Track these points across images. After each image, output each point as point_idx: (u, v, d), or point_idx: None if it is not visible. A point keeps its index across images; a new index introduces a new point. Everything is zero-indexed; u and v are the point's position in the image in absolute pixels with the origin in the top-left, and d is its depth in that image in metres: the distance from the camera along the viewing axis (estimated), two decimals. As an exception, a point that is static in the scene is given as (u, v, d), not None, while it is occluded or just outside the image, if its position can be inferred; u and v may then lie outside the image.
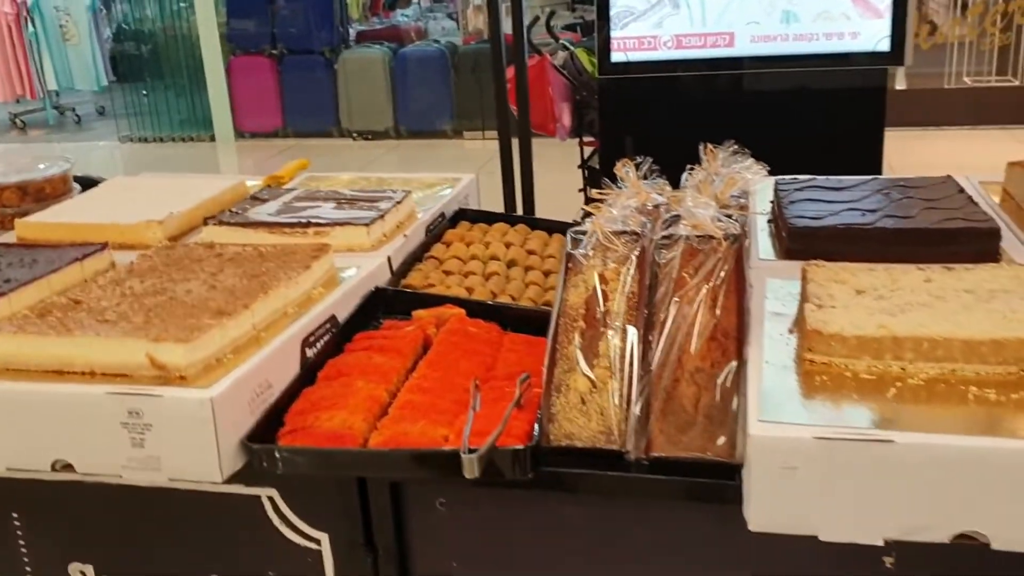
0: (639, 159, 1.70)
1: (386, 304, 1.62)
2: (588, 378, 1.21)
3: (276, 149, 8.58)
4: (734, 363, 1.20)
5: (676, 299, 1.25)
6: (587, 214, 1.47)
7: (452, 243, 1.90)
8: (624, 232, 1.38)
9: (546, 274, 1.81)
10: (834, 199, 1.71)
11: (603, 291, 1.29)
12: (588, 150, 5.19)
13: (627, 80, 3.21)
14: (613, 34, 3.14)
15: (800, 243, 1.55)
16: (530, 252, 1.89)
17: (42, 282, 1.54)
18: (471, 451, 1.10)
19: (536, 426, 1.19)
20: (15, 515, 1.41)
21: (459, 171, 2.26)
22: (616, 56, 3.17)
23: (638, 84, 3.21)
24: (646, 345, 1.22)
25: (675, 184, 1.75)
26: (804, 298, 1.31)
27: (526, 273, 1.80)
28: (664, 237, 1.35)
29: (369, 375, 1.35)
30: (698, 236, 1.33)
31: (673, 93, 3.20)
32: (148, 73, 9.29)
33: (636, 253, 1.33)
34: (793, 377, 1.17)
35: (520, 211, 3.28)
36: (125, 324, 1.29)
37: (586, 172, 5.23)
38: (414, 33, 9.61)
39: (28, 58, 9.47)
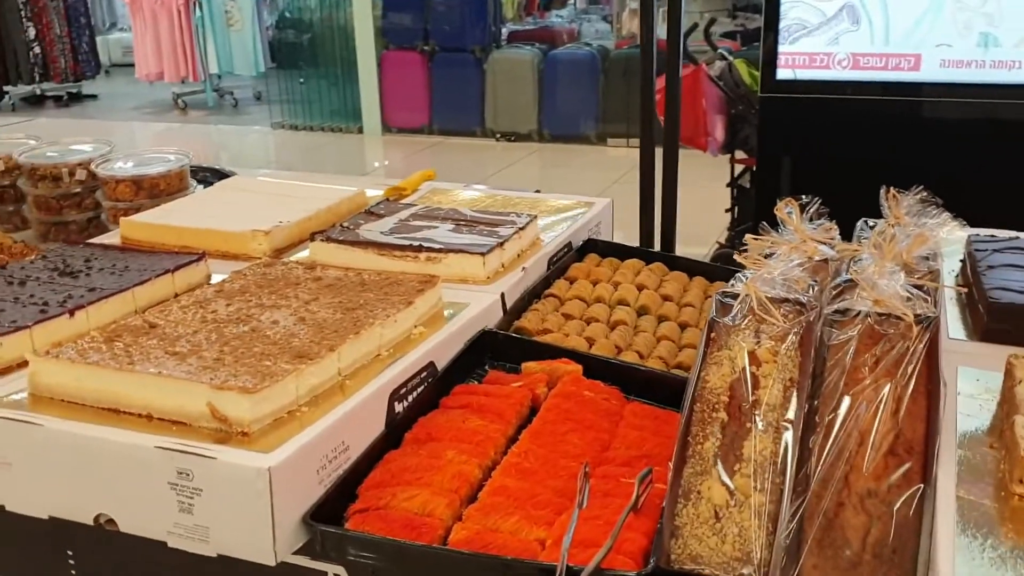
0: (804, 198, 1.44)
1: (494, 349, 1.42)
2: (726, 487, 0.96)
3: (421, 145, 8.55)
4: (919, 487, 0.93)
5: (848, 396, 0.99)
6: (725, 255, 1.22)
7: (576, 279, 1.68)
8: (786, 300, 1.12)
9: (682, 327, 1.56)
10: (1045, 266, 1.42)
11: (753, 375, 1.04)
12: (739, 168, 4.87)
13: (792, 99, 2.90)
14: (781, 48, 2.83)
15: (1002, 322, 1.29)
16: (665, 298, 1.65)
17: (127, 295, 1.42)
18: (571, 573, 0.88)
19: (655, 541, 0.96)
20: (70, 552, 1.28)
21: (600, 178, 2.06)
22: (782, 72, 2.85)
23: (804, 104, 2.88)
24: (804, 452, 0.97)
25: (841, 225, 1.48)
26: (1012, 406, 1.03)
27: (658, 324, 1.56)
28: (836, 311, 1.09)
29: (462, 443, 1.15)
30: (880, 314, 1.06)
31: (844, 117, 2.86)
32: (304, 62, 9.46)
33: (799, 330, 1.07)
34: (998, 520, 0.90)
35: (658, 234, 3.00)
36: (193, 360, 1.14)
37: (735, 191, 4.91)
38: (566, 35, 9.41)
39: (193, 42, 9.82)
